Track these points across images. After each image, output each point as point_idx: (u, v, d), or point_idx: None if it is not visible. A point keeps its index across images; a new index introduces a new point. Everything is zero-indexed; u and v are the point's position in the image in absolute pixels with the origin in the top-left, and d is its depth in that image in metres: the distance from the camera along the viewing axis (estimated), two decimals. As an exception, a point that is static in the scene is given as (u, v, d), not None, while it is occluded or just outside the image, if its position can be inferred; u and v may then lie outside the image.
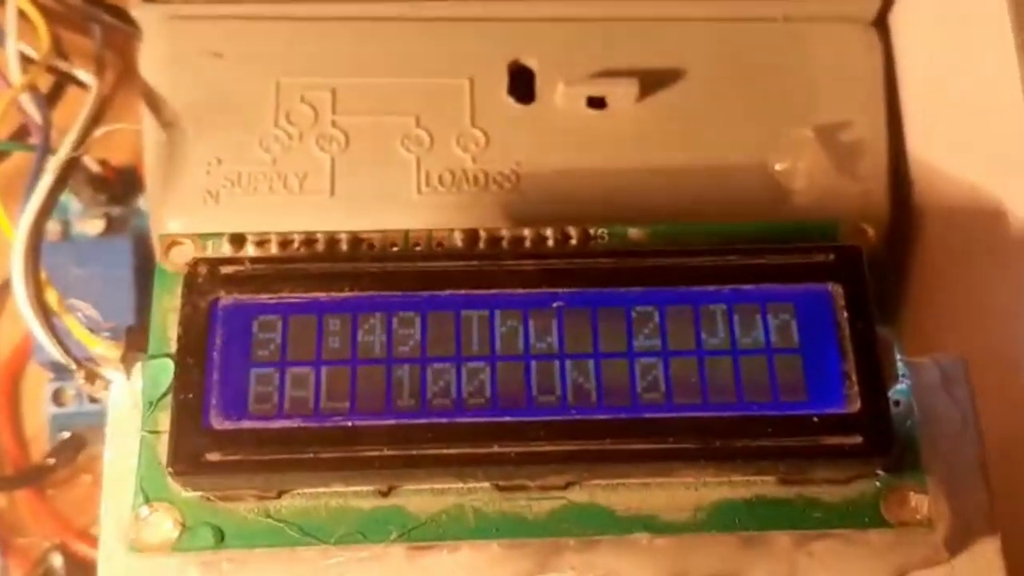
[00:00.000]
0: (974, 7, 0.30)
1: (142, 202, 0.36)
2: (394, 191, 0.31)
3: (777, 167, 0.32)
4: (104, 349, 0.27)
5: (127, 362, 0.26)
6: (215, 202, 0.31)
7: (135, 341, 0.26)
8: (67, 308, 0.27)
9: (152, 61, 0.33)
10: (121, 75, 0.34)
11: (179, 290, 0.23)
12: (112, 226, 0.36)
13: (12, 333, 0.35)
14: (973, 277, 0.29)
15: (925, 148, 0.33)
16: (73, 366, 0.27)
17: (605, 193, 0.32)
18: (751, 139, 0.32)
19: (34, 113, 0.32)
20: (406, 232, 0.25)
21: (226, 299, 0.23)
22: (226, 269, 0.23)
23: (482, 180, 0.32)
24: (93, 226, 0.36)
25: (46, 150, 0.30)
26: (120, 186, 0.36)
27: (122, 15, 0.34)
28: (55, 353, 0.27)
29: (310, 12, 0.33)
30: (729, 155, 0.32)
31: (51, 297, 0.27)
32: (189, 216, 0.31)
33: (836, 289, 0.23)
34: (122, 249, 0.34)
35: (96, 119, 0.31)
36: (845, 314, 0.23)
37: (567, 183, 0.32)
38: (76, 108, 0.32)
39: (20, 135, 0.35)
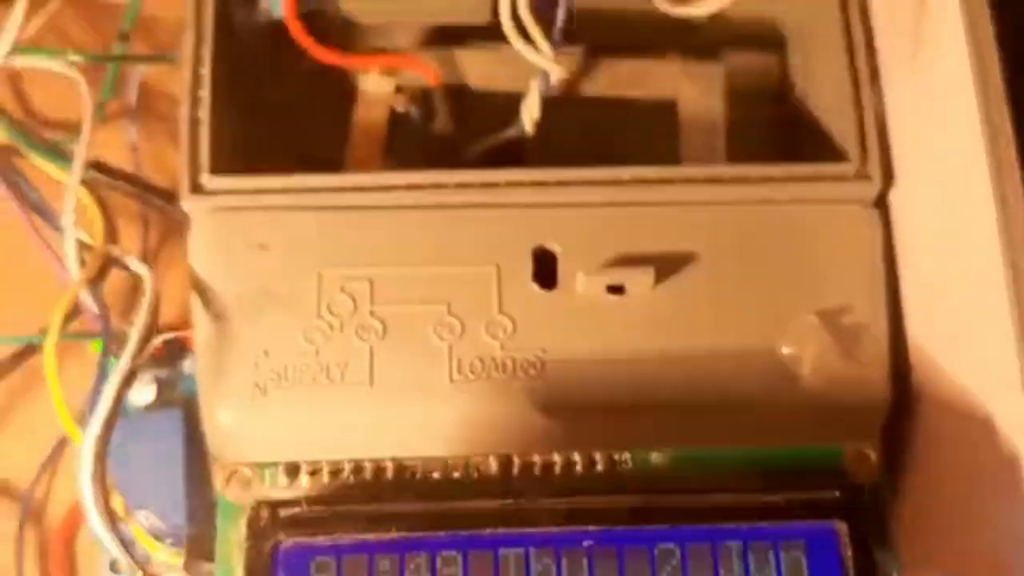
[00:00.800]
0: (965, 207, 0.32)
1: (188, 365, 0.39)
2: (429, 380, 0.34)
3: (784, 351, 0.34)
4: (167, 556, 0.29)
5: (190, 570, 0.28)
6: (263, 395, 0.33)
7: (196, 548, 0.29)
8: (131, 514, 0.30)
9: (201, 252, 0.35)
10: (171, 260, 0.37)
11: (242, 521, 0.26)
12: (161, 392, 0.38)
13: (66, 495, 0.37)
14: (970, 483, 0.32)
15: (924, 335, 0.35)
16: (139, 574, 0.29)
17: (624, 380, 0.34)
18: (759, 324, 0.35)
19: (89, 302, 0.34)
20: (445, 459, 0.27)
21: (286, 543, 0.25)
22: (285, 512, 0.25)
23: (510, 367, 0.34)
24: (142, 395, 0.38)
25: (108, 348, 0.33)
26: (168, 353, 0.39)
27: (174, 201, 0.36)
28: (123, 560, 0.29)
29: (347, 201, 0.36)
30: (739, 340, 0.35)
31: (117, 503, 0.29)
32: (239, 409, 0.33)
33: (841, 527, 0.26)
34: (173, 420, 0.36)
35: (154, 319, 0.33)
36: (849, 552, 0.25)
37: (589, 370, 0.34)
38: (122, 284, 0.35)
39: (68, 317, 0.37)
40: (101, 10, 0.43)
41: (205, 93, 0.37)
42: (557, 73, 0.39)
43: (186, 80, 0.37)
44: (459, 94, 0.41)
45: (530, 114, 0.39)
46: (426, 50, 0.42)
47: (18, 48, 0.36)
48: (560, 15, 0.38)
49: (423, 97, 0.41)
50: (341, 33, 0.42)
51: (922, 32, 0.34)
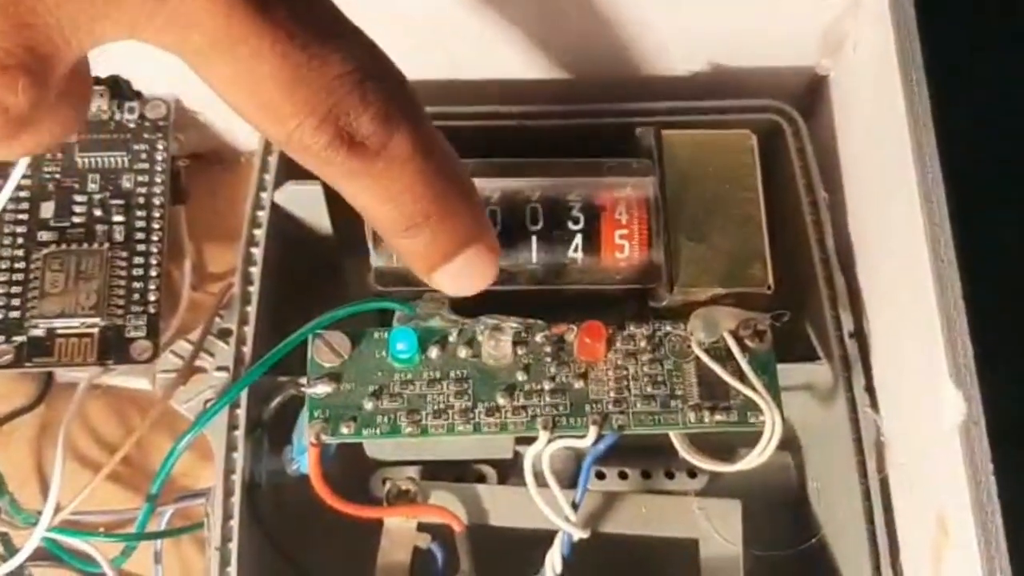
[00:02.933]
0: None
1: None
2: None
3: None
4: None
5: None
6: None
7: None
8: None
9: None
10: None
11: None
12: None
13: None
14: None
15: None
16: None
17: None
18: None
19: None
20: None
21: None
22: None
23: None
24: None
25: None
26: None
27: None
28: None
29: None
30: None
31: None
32: None
33: None
34: None
35: None
36: None
37: None
38: None
39: None
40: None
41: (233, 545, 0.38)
42: (579, 534, 0.39)
43: (216, 535, 0.38)
44: (481, 531, 0.42)
45: (553, 569, 0.40)
46: (450, 486, 0.42)
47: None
48: (579, 492, 0.39)
49: (446, 534, 0.41)
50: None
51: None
